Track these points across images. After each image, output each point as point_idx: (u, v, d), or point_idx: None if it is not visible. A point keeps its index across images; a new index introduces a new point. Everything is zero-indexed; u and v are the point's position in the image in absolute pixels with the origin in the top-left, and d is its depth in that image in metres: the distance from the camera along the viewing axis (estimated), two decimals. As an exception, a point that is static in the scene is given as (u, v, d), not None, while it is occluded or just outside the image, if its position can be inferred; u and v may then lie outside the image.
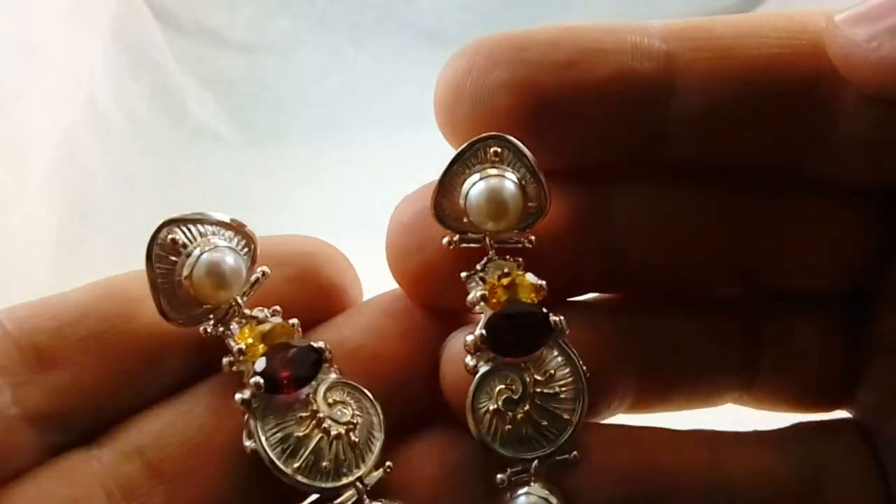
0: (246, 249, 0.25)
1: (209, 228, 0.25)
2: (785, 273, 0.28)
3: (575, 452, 0.25)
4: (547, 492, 0.25)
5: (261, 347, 0.25)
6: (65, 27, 0.83)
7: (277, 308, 0.26)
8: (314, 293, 0.27)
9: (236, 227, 0.25)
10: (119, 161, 0.85)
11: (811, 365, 0.29)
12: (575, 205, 0.26)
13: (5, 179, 0.73)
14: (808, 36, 0.24)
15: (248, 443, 0.24)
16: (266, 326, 0.25)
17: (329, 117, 0.93)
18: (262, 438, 0.24)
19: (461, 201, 0.25)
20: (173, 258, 0.24)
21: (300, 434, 0.24)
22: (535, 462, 0.25)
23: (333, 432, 0.24)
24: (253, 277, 0.25)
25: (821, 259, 0.28)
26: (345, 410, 0.25)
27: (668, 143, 0.26)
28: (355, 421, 0.25)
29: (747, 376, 0.29)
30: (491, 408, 0.25)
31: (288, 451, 0.24)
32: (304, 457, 0.24)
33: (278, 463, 0.24)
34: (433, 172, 0.26)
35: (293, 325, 0.25)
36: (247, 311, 0.25)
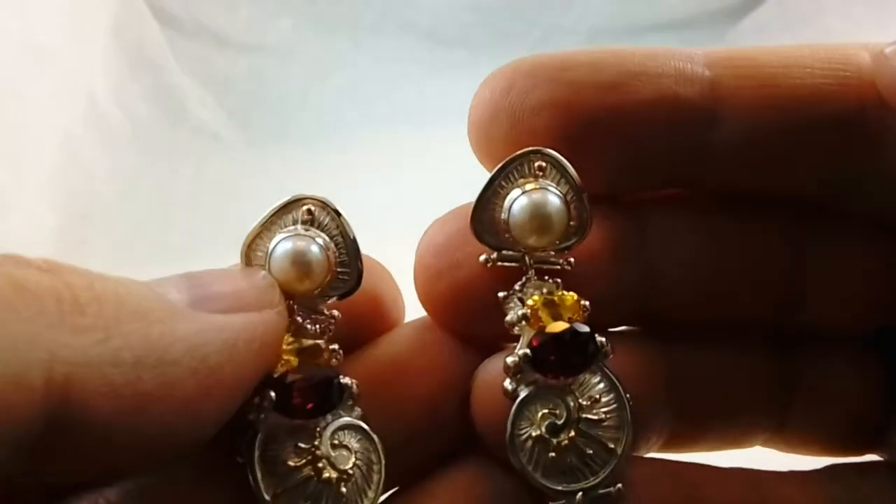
0: (345, 273, 0.24)
1: (336, 232, 0.24)
2: (821, 308, 0.27)
3: (620, 485, 0.24)
4: None
5: (294, 361, 0.23)
6: (65, 27, 0.83)
7: (336, 313, 0.24)
8: (357, 308, 0.25)
9: (354, 255, 0.24)
10: (119, 161, 0.85)
11: (843, 409, 0.28)
12: (613, 230, 0.26)
13: (5, 179, 0.73)
14: (853, 67, 0.24)
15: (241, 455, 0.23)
16: (306, 343, 0.24)
17: (329, 117, 0.93)
18: (256, 453, 0.22)
19: (503, 215, 0.24)
20: (289, 224, 0.23)
21: (291, 464, 0.23)
22: (580, 495, 0.24)
23: (324, 475, 0.23)
24: (328, 311, 0.24)
25: (857, 295, 0.27)
26: (347, 457, 0.23)
27: (708, 171, 0.25)
28: (352, 472, 0.23)
29: (779, 418, 0.29)
30: (533, 434, 0.24)
31: (274, 475, 0.23)
32: (287, 489, 0.23)
33: (260, 483, 0.22)
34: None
35: (332, 349, 0.24)
36: (298, 319, 0.24)
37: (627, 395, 0.24)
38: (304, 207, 0.24)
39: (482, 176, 0.25)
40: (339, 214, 0.24)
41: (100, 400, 0.18)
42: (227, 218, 0.78)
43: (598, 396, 0.24)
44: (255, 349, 0.21)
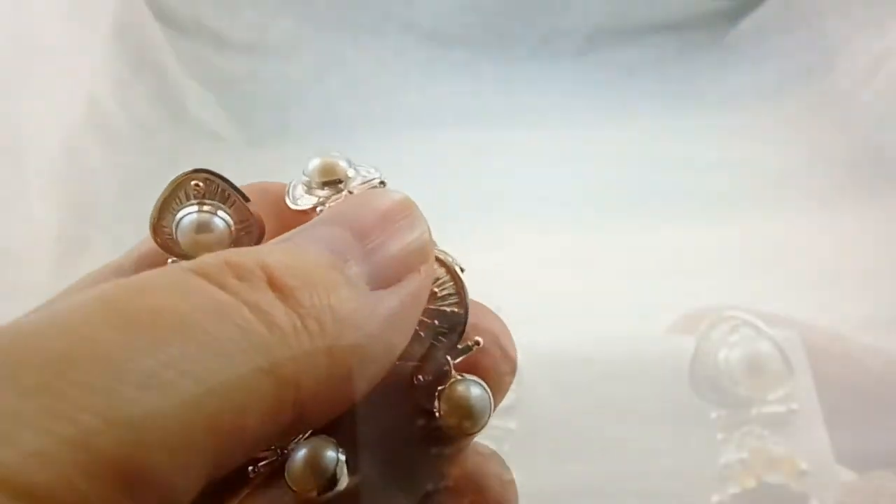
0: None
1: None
2: None
3: (478, 338, 0.25)
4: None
5: None
6: (65, 27, 0.83)
7: None
8: None
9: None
10: (119, 161, 0.85)
11: None
12: None
13: (5, 179, 0.73)
14: None
15: None
16: None
17: (329, 117, 0.93)
18: None
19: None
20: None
21: None
22: (440, 353, 0.25)
23: None
24: None
25: None
26: None
27: None
28: None
29: None
30: None
31: None
32: None
33: None
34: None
35: None
36: None
37: (459, 267, 0.25)
38: (193, 182, 0.24)
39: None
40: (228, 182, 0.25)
41: None
42: (227, 218, 0.78)
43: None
44: None
